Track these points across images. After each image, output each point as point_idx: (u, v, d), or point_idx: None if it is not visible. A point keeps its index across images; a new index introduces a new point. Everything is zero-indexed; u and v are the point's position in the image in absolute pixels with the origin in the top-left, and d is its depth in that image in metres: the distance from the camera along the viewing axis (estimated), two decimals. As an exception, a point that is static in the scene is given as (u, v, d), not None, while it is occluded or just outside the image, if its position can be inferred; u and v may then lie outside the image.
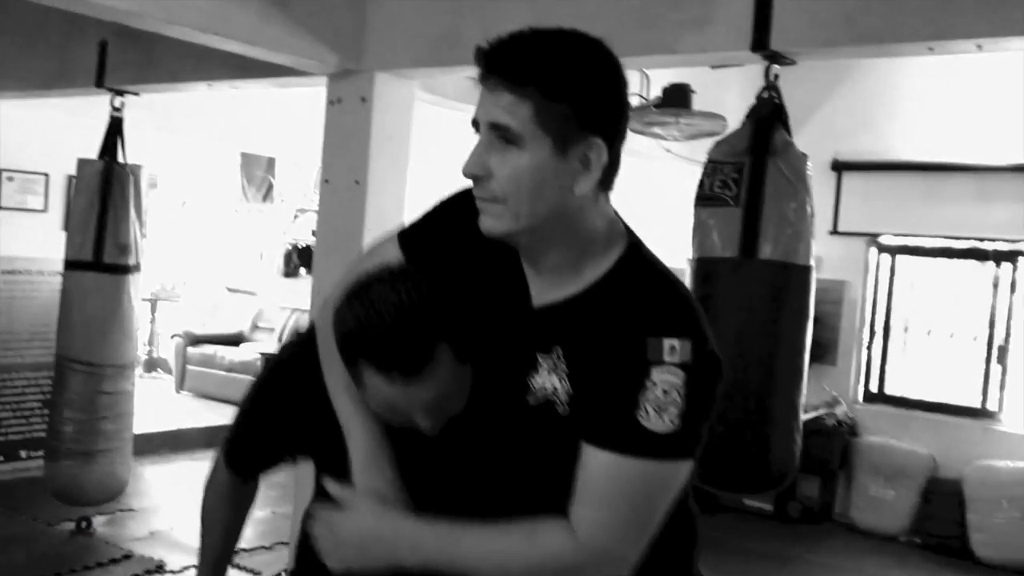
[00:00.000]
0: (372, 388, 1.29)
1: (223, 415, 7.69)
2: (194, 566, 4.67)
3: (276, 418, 1.62)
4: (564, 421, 1.24)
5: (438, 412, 1.31)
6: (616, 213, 1.34)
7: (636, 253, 1.31)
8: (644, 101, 5.23)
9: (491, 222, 1.25)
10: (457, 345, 1.26)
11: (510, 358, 1.30)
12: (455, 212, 1.38)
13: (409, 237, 1.45)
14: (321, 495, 1.68)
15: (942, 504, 5.90)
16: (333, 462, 1.46)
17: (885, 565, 5.59)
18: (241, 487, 1.75)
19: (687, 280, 3.09)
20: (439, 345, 1.24)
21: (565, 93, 1.20)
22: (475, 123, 1.26)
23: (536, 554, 1.22)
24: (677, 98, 4.94)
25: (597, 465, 1.19)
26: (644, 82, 5.46)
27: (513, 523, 1.24)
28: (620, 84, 1.27)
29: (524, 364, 1.28)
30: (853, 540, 6.06)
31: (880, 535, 6.07)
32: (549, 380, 1.26)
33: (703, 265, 2.99)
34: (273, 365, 1.67)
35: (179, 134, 6.80)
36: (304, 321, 8.57)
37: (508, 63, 1.22)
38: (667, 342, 1.18)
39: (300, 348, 1.60)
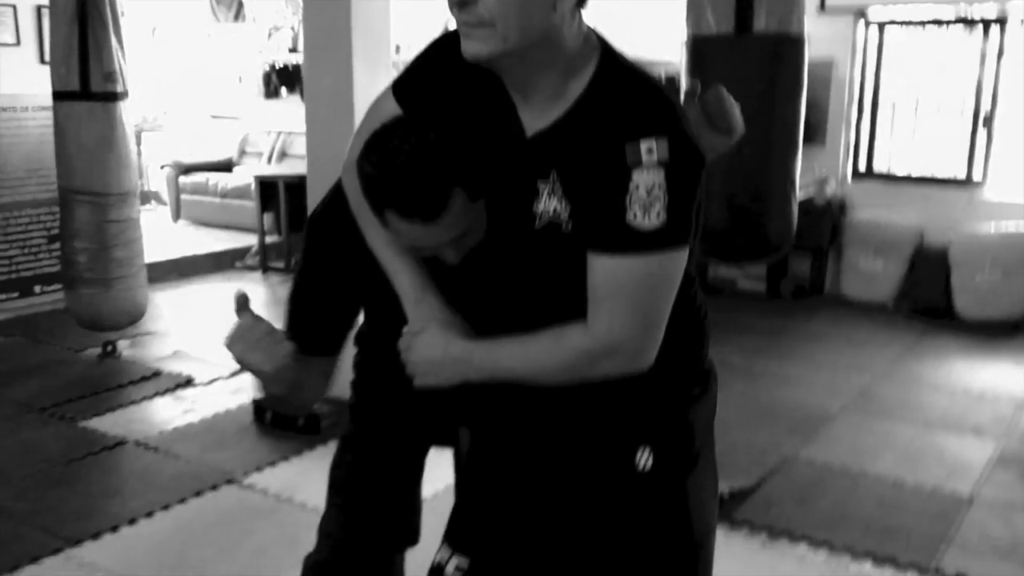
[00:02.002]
0: (397, 230, 1.42)
1: (224, 240, 7.85)
2: (220, 378, 4.91)
3: (330, 286, 1.71)
4: (569, 237, 1.34)
5: (459, 246, 1.44)
6: (588, 26, 1.36)
7: (610, 62, 1.34)
8: None
9: (478, 46, 1.28)
10: (469, 187, 1.36)
11: (513, 188, 1.38)
12: (440, 55, 1.41)
13: (402, 87, 1.49)
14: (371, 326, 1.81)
15: (928, 271, 6.16)
16: (384, 305, 1.59)
17: (873, 330, 5.90)
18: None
19: (681, 61, 3.13)
20: (453, 190, 1.34)
21: None
22: None
23: (561, 353, 1.37)
24: None
25: (600, 269, 1.30)
26: None
27: (540, 332, 1.38)
28: None
29: (527, 192, 1.35)
30: (843, 311, 6.36)
31: (870, 305, 6.37)
32: (550, 204, 1.34)
33: (698, 44, 3.01)
34: (308, 236, 1.73)
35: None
36: (291, 143, 8.55)
37: None
38: (644, 144, 1.24)
39: (329, 209, 1.67)
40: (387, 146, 1.36)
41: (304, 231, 1.77)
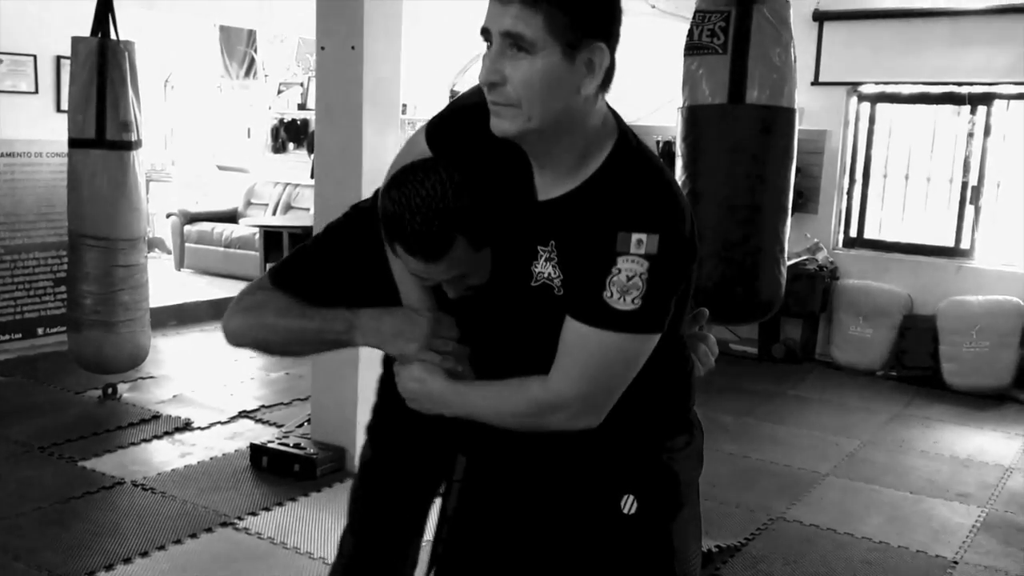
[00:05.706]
0: (403, 261, 1.55)
1: (226, 289, 7.95)
2: (218, 422, 4.92)
3: (337, 262, 1.77)
4: (559, 299, 1.46)
5: (459, 284, 1.56)
6: (609, 107, 1.47)
7: (624, 147, 1.44)
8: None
9: (505, 124, 1.39)
10: (473, 236, 1.49)
11: (518, 247, 1.51)
12: (474, 107, 1.50)
13: (434, 132, 1.60)
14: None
15: (917, 339, 6.27)
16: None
17: (863, 397, 5.98)
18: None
19: (677, 127, 3.27)
20: (456, 237, 1.47)
21: (573, 3, 1.33)
22: (485, 32, 1.37)
23: (517, 399, 1.51)
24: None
25: (571, 333, 1.43)
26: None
27: (508, 380, 1.52)
28: None
29: (528, 252, 1.48)
30: (834, 376, 6.45)
31: (859, 370, 6.47)
32: (546, 268, 1.47)
33: (693, 112, 3.16)
34: (344, 220, 1.79)
35: (156, 9, 6.77)
36: (296, 195, 8.71)
37: None
38: (635, 236, 1.34)
39: (366, 212, 1.75)
40: (407, 186, 1.48)
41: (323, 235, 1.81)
